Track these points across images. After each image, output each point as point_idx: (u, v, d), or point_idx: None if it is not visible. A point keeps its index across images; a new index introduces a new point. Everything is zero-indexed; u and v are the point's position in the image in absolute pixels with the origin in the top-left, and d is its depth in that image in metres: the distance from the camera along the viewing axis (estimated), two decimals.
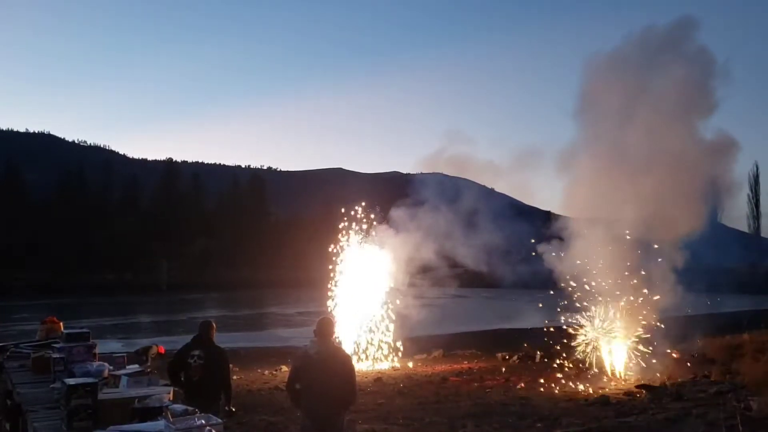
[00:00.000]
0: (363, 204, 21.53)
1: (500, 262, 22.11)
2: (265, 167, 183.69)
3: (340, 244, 21.31)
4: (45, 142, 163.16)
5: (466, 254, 21.85)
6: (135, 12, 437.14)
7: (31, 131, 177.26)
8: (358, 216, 21.42)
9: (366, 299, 20.38)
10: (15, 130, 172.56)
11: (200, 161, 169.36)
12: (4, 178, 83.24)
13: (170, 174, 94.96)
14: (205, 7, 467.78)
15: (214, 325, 8.68)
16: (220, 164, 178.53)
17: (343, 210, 21.43)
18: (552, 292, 18.04)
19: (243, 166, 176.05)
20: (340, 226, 21.41)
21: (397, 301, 20.57)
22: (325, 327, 6.84)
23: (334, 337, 7.01)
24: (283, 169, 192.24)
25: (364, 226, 21.41)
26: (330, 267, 21.14)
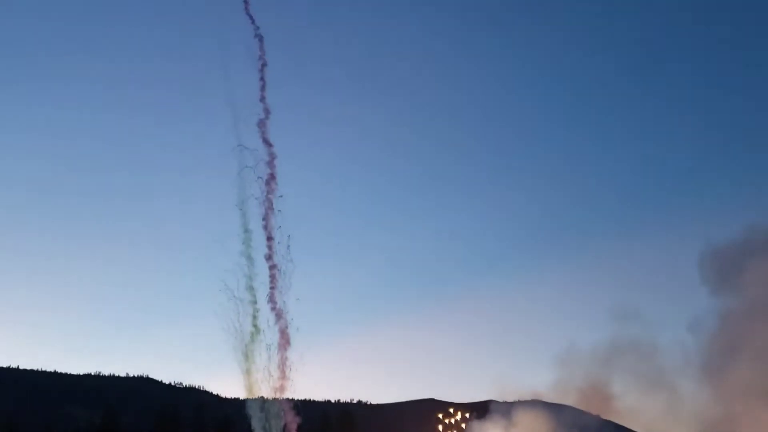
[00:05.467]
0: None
1: None
2: (354, 401, 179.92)
3: None
4: (142, 384, 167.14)
5: None
6: None
7: (131, 375, 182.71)
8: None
9: None
10: (116, 374, 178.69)
11: (290, 398, 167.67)
12: (102, 422, 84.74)
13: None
14: None
15: None
16: (309, 400, 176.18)
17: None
18: None
19: (332, 401, 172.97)
20: None
21: None
22: None
23: None
24: (374, 401, 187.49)
25: None
26: None
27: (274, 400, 38.87)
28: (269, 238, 38.46)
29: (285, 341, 38.19)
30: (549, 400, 58.09)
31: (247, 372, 37.98)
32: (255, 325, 37.66)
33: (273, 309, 38.26)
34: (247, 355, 37.54)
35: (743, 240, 16.89)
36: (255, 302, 37.90)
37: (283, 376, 38.20)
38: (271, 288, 38.25)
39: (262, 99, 39.03)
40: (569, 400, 56.94)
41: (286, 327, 38.25)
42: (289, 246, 38.78)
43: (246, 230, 38.34)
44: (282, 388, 38.29)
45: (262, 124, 38.99)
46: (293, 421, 38.63)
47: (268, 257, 38.39)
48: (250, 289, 37.97)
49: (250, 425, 39.04)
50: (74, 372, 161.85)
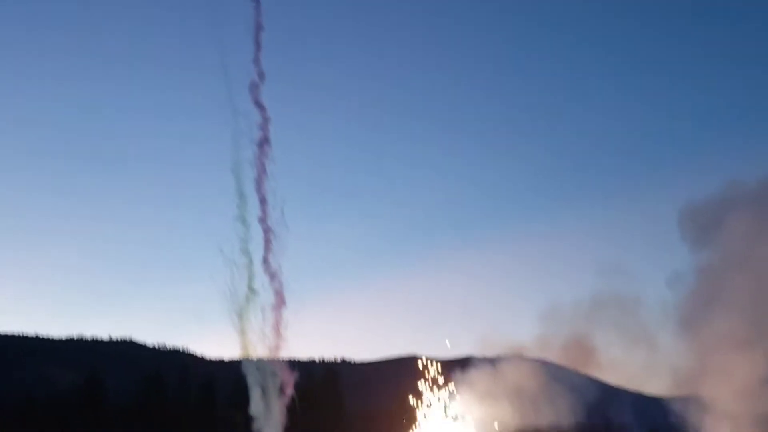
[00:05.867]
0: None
1: None
2: (338, 360, 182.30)
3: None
4: (126, 347, 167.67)
5: None
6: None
7: (114, 338, 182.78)
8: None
9: None
10: (99, 338, 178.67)
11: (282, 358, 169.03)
12: (85, 386, 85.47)
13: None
14: None
15: None
16: (294, 359, 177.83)
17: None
18: None
19: (317, 361, 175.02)
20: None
21: None
22: None
23: None
24: (357, 358, 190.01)
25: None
26: None
27: (269, 359, 39.70)
28: (263, 201, 38.78)
29: (280, 301, 38.88)
30: (532, 355, 59.75)
31: (242, 332, 38.67)
32: (251, 287, 38.25)
33: (267, 271, 38.83)
34: (242, 316, 38.20)
35: (723, 196, 17.95)
36: (251, 264, 38.40)
37: (279, 335, 38.97)
38: (266, 250, 38.74)
39: (257, 62, 38.82)
40: (552, 355, 58.62)
41: (281, 288, 38.91)
42: (282, 210, 39.19)
43: (241, 195, 38.61)
44: (277, 347, 39.10)
45: (255, 87, 38.87)
46: (290, 378, 39.58)
47: (262, 220, 38.78)
48: (246, 252, 38.45)
49: (246, 385, 39.94)
50: (56, 336, 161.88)
